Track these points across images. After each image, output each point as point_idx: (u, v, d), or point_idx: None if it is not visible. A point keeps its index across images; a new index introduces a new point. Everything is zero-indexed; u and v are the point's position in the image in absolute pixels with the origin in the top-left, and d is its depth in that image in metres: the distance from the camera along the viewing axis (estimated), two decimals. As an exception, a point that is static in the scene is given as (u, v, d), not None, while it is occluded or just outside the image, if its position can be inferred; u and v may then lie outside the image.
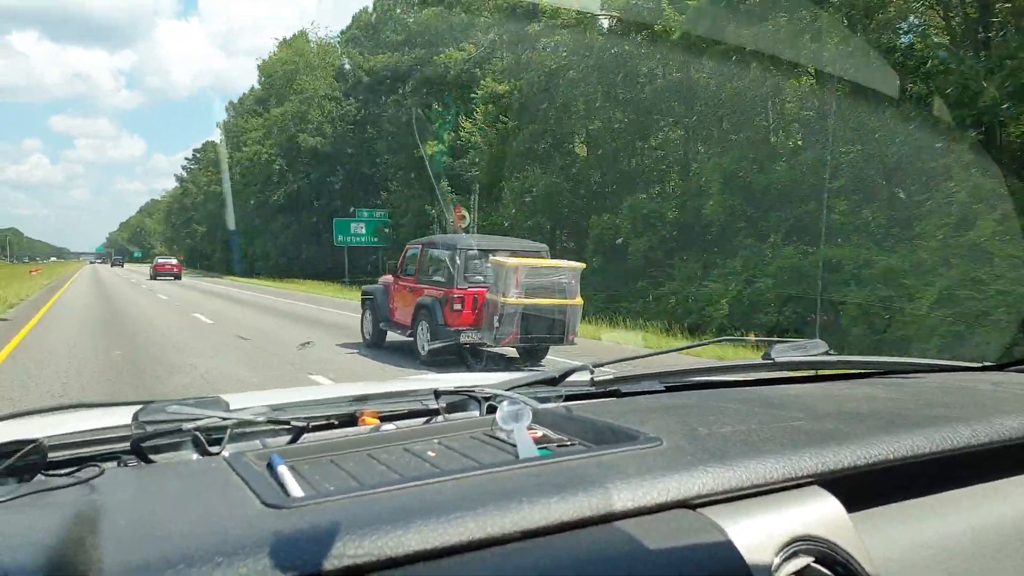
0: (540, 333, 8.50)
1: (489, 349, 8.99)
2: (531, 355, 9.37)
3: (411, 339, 9.54)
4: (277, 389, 1.56)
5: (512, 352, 9.57)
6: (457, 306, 8.80)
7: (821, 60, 14.52)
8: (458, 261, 8.94)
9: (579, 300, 8.73)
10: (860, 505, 0.92)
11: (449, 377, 1.62)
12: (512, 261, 8.36)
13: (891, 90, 12.37)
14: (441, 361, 8.80)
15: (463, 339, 8.70)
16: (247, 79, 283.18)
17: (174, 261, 45.42)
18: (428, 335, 9.11)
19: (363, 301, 11.31)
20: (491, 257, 8.65)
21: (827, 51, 14.29)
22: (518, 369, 8.93)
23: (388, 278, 10.70)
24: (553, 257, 9.59)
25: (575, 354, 8.75)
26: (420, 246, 10.14)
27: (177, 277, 42.19)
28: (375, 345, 10.62)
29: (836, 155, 15.28)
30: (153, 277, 41.76)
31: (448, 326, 8.80)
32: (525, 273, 8.29)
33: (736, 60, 16.49)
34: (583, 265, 9.00)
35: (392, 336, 10.45)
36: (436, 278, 9.32)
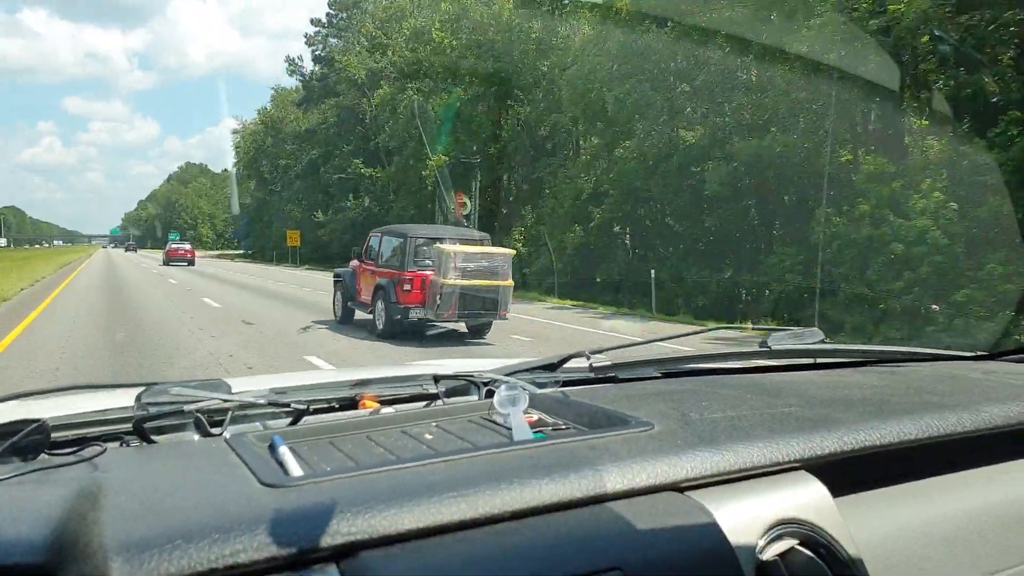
0: (475, 309, 9.93)
1: (440, 324, 10.38)
2: (476, 331, 10.79)
3: (371, 316, 10.96)
4: (279, 373, 1.72)
5: (462, 327, 10.94)
6: (407, 287, 10.18)
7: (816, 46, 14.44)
8: (408, 247, 10.34)
9: (510, 281, 10.14)
10: (846, 490, 0.92)
11: (449, 363, 1.66)
12: (450, 247, 9.75)
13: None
14: (394, 335, 10.22)
15: (412, 315, 10.11)
16: (264, 61, 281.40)
17: (188, 246, 44.21)
18: (384, 312, 10.54)
19: (335, 282, 12.76)
20: (435, 244, 10.04)
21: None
22: (465, 342, 10.35)
23: (355, 262, 12.11)
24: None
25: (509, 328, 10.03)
26: (379, 234, 11.57)
27: (191, 263, 40.71)
28: (344, 321, 12.05)
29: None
30: (166, 263, 40.72)
31: (400, 304, 10.19)
32: (462, 258, 9.69)
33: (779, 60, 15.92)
34: (513, 252, 10.38)
35: (359, 314, 11.88)
36: (391, 262, 10.71)
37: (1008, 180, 11.30)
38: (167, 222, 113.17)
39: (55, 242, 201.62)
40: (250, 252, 61.25)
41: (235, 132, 56.84)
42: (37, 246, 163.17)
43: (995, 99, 11.99)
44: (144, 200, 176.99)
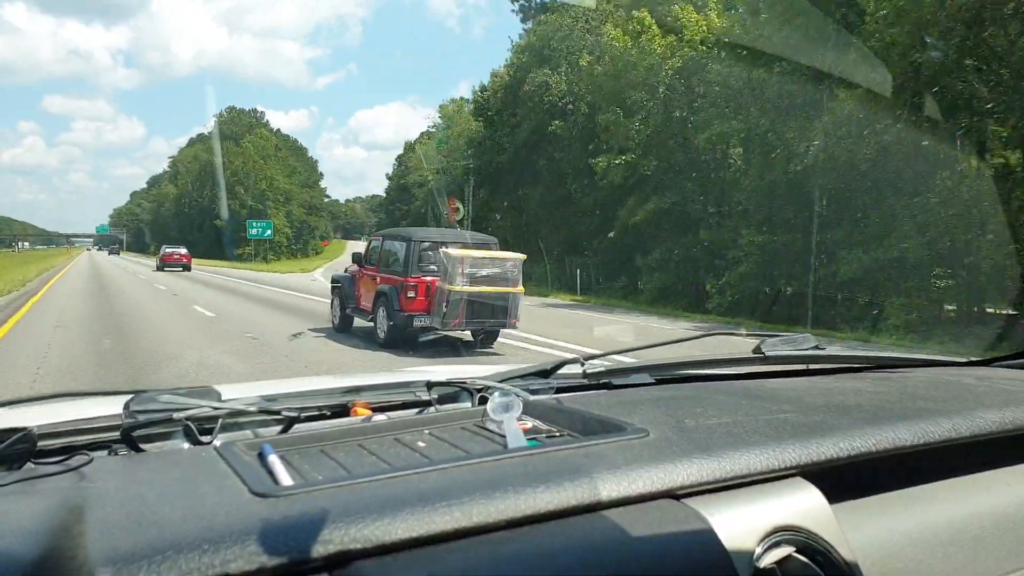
0: (484, 317, 9.35)
1: (444, 333, 9.83)
2: (483, 339, 10.22)
3: (372, 324, 10.38)
4: (270, 380, 1.70)
5: (468, 336, 10.40)
6: (411, 293, 9.62)
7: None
8: (412, 252, 9.78)
9: (521, 288, 9.57)
10: (842, 496, 0.93)
11: (442, 369, 1.63)
12: (458, 252, 9.19)
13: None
14: (398, 344, 9.65)
15: (416, 323, 9.54)
16: (252, 60, 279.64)
17: (183, 251, 41.77)
18: (385, 320, 9.96)
19: (332, 289, 12.16)
20: (441, 248, 9.48)
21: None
22: (471, 352, 9.80)
23: (354, 267, 11.53)
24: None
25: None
26: (381, 238, 11.00)
27: (186, 268, 38.88)
28: (343, 330, 11.46)
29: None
30: (160, 268, 38.78)
31: (403, 311, 9.62)
32: (470, 263, 9.13)
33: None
34: (524, 256, 9.81)
35: (359, 322, 11.30)
36: (394, 267, 10.14)
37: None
38: (190, 204, 79.81)
39: (22, 244, 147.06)
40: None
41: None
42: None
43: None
44: (143, 189, 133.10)
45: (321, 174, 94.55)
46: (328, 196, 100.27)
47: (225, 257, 64.16)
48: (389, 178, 76.38)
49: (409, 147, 70.82)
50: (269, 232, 51.08)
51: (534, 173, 31.43)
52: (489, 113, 34.18)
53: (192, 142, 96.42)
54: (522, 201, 33.01)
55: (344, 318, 11.49)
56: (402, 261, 9.92)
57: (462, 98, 48.14)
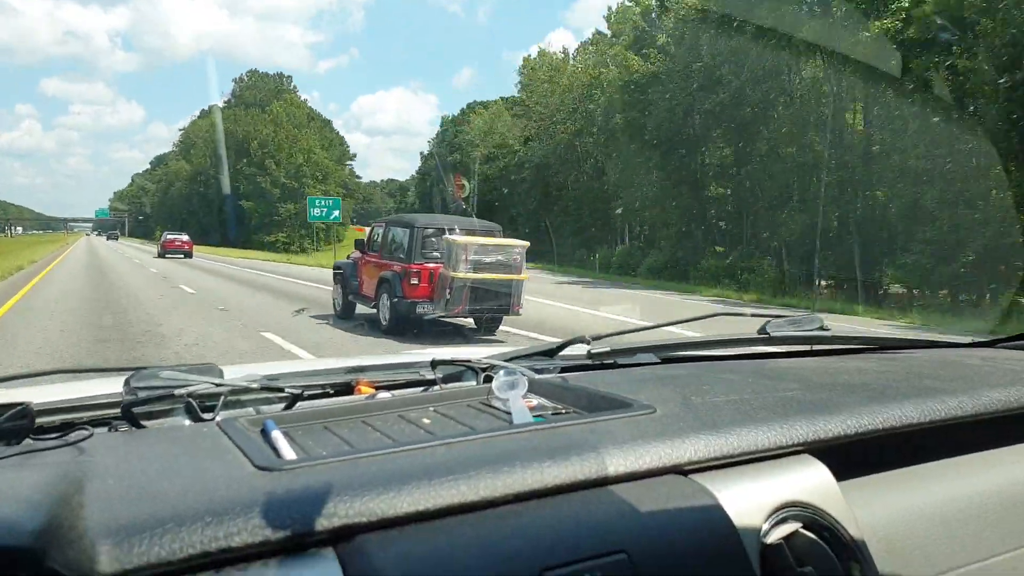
0: (487, 304, 9.27)
1: (447, 320, 9.77)
2: (486, 327, 10.15)
3: (375, 311, 10.33)
4: (273, 361, 1.62)
5: (470, 323, 10.34)
6: (414, 280, 9.56)
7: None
8: (415, 238, 9.70)
9: (525, 275, 9.49)
10: (849, 473, 0.93)
11: (446, 350, 1.64)
12: (462, 239, 9.11)
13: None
14: (401, 330, 9.59)
15: (419, 310, 9.48)
16: (253, 44, 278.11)
17: (185, 237, 40.71)
18: (388, 307, 9.90)
19: (334, 275, 12.09)
20: (445, 235, 9.40)
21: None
22: (475, 338, 9.75)
23: (357, 254, 11.46)
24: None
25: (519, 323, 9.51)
26: (384, 224, 10.91)
27: (188, 255, 37.66)
28: (345, 316, 11.40)
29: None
30: (161, 255, 37.65)
31: (406, 298, 9.55)
32: (474, 250, 9.04)
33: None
34: (527, 243, 9.74)
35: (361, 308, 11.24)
36: (397, 254, 10.07)
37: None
38: (206, 183, 67.90)
39: (16, 229, 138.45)
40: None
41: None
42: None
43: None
44: (146, 171, 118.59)
45: (354, 154, 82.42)
46: (359, 176, 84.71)
47: (251, 244, 56.47)
48: (424, 157, 69.36)
49: (450, 122, 64.47)
50: (337, 214, 35.14)
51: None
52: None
53: (204, 114, 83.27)
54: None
55: (347, 305, 11.43)
56: (405, 248, 9.84)
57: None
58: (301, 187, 58.80)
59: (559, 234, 33.36)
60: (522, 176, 43.82)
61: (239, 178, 60.59)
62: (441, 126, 72.12)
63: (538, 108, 42.82)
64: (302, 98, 75.89)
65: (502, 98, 60.98)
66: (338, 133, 77.85)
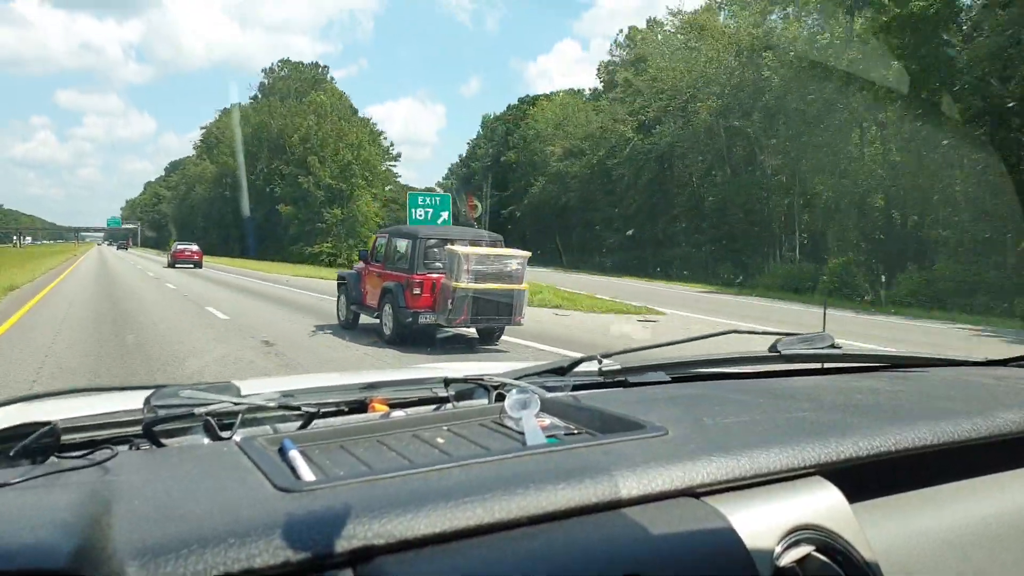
0: (489, 314, 9.37)
1: (450, 330, 9.86)
2: (488, 336, 10.25)
3: (378, 320, 10.43)
4: (288, 376, 1.68)
5: (472, 333, 10.43)
6: (417, 290, 9.67)
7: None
8: (418, 249, 9.82)
9: (526, 285, 9.59)
10: (862, 496, 0.92)
11: (458, 366, 1.65)
12: (463, 249, 9.21)
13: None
14: (403, 340, 9.69)
15: (421, 320, 9.58)
16: (263, 55, 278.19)
17: (195, 247, 40.01)
18: (391, 317, 10.00)
19: (338, 285, 12.22)
20: (446, 246, 9.51)
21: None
22: (476, 348, 9.83)
23: (360, 264, 11.58)
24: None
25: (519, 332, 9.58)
26: (387, 235, 11.04)
27: (197, 265, 37.40)
28: (349, 326, 11.51)
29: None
30: (171, 264, 37.63)
31: (408, 308, 9.66)
32: (475, 260, 9.15)
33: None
34: (528, 253, 9.83)
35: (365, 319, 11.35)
36: (399, 264, 10.18)
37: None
38: (234, 185, 53.82)
39: (24, 239, 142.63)
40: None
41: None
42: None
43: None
44: (160, 178, 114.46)
45: (398, 154, 68.61)
46: (399, 176, 65.53)
47: (289, 257, 47.70)
48: (461, 160, 65.52)
49: (496, 120, 60.63)
50: (446, 216, 20.16)
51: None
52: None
53: (227, 111, 71.01)
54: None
55: (350, 314, 11.54)
56: (408, 258, 9.96)
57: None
58: (350, 188, 50.04)
59: (673, 242, 29.54)
60: (635, 170, 36.84)
61: (274, 179, 51.34)
62: (482, 126, 68.62)
63: (658, 85, 37.04)
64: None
65: (571, 90, 56.48)
66: (379, 130, 64.77)
